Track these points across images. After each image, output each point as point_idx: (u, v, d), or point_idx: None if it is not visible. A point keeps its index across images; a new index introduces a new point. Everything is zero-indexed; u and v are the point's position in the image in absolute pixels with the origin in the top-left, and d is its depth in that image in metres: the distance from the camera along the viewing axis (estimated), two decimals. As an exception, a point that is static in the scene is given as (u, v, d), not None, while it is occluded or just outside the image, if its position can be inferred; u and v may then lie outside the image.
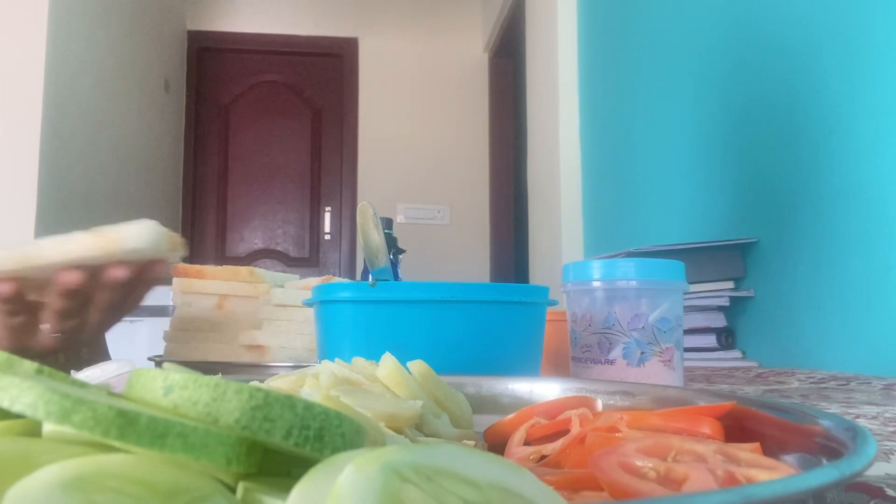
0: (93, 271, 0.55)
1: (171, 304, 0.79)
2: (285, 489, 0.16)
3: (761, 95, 1.48)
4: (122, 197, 3.16)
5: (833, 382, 0.92)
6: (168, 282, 0.60)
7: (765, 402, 0.32)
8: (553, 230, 2.71)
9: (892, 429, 0.54)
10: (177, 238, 0.56)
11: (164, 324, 0.81)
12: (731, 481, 0.23)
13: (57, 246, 0.52)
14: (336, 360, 0.40)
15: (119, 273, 0.55)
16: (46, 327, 0.59)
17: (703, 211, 1.70)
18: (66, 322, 0.59)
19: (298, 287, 0.82)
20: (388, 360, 0.37)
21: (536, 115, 3.05)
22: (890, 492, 0.33)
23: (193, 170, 4.37)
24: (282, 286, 0.81)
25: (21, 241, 0.56)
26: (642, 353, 0.64)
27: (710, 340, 1.40)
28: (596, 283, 0.65)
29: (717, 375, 1.10)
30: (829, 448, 0.26)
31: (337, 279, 0.79)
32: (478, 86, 4.51)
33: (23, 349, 0.60)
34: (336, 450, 0.18)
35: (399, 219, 4.28)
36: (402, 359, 0.38)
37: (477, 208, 4.43)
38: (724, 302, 1.40)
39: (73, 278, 0.54)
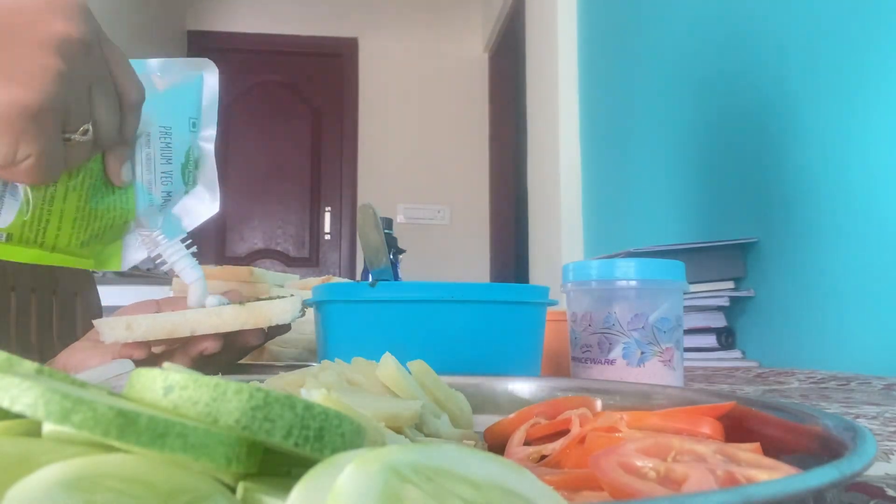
0: (230, 336, 0.56)
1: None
2: (285, 489, 0.16)
3: (761, 95, 1.48)
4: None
5: (833, 382, 0.92)
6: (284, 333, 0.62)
7: (765, 402, 0.32)
8: (553, 230, 2.71)
9: (892, 429, 0.54)
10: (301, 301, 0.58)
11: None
12: (731, 481, 0.23)
13: (208, 319, 0.53)
14: (336, 360, 0.40)
15: (256, 341, 0.57)
16: None
17: (703, 211, 1.70)
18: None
19: (298, 287, 0.82)
20: (388, 360, 0.37)
21: (536, 115, 3.05)
22: (890, 492, 0.33)
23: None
24: (282, 286, 0.81)
25: (169, 308, 0.55)
26: (642, 353, 0.64)
27: (710, 340, 1.40)
28: (596, 283, 0.65)
29: (717, 375, 1.10)
30: (829, 448, 0.26)
31: (337, 279, 0.79)
32: (478, 86, 4.51)
33: None
34: (336, 450, 0.18)
35: (399, 219, 4.28)
36: (402, 359, 0.38)
37: (477, 208, 4.43)
38: (724, 302, 1.40)
39: (212, 348, 0.55)
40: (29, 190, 0.47)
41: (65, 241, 0.50)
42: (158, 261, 0.55)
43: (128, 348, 0.55)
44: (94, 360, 0.62)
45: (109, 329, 0.53)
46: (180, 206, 0.58)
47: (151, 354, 0.57)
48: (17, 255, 0.50)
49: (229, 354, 0.59)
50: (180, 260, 0.56)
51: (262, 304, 0.54)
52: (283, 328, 0.59)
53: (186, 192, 0.58)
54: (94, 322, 0.54)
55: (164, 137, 0.54)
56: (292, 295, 0.56)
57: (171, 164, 0.55)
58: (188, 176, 0.57)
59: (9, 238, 0.48)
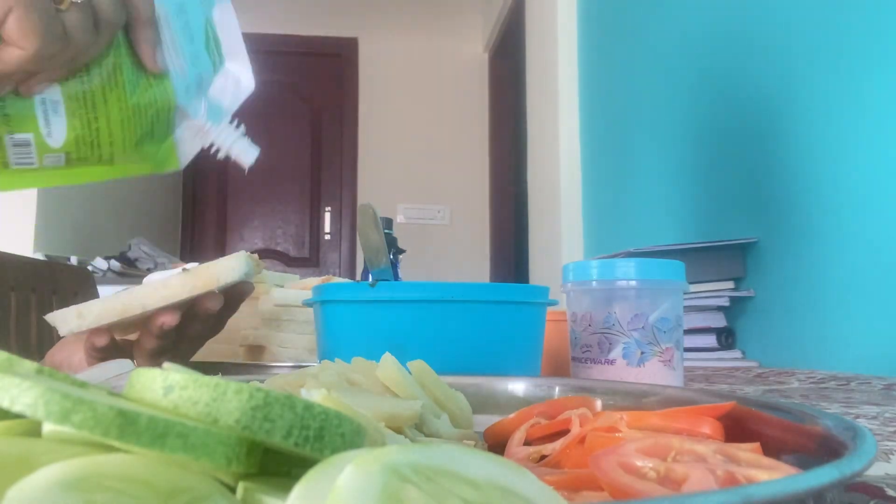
0: (188, 307, 0.55)
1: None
2: (285, 489, 0.16)
3: (761, 96, 1.48)
4: (123, 197, 3.16)
5: (833, 382, 0.92)
6: (248, 296, 0.60)
7: (765, 403, 0.32)
8: (553, 230, 2.71)
9: (892, 429, 0.54)
10: (258, 260, 0.57)
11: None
12: (731, 481, 0.23)
13: (156, 292, 0.52)
14: (336, 360, 0.40)
15: (213, 305, 0.55)
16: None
17: (703, 211, 1.70)
18: (158, 359, 0.58)
19: (298, 287, 0.82)
20: (388, 360, 0.37)
21: (536, 115, 3.05)
22: (890, 492, 0.33)
23: (193, 170, 4.37)
24: (282, 286, 0.81)
25: (115, 288, 0.55)
26: (642, 353, 0.64)
27: (710, 340, 1.40)
28: (596, 283, 0.65)
29: (717, 375, 1.10)
30: (829, 448, 0.26)
31: (337, 279, 0.79)
32: (478, 86, 4.51)
33: None
34: (336, 450, 0.18)
35: (399, 219, 4.28)
36: (402, 359, 0.38)
37: (477, 208, 4.43)
38: (724, 302, 1.40)
39: (170, 320, 0.53)
40: (63, 98, 0.46)
41: (119, 147, 0.49)
42: (213, 150, 0.55)
43: (92, 336, 0.54)
44: (77, 354, 0.62)
45: (62, 321, 0.52)
46: (215, 89, 0.56)
47: (123, 340, 0.57)
48: (83, 176, 0.49)
49: (197, 327, 0.58)
50: (235, 143, 0.54)
51: (208, 265, 0.53)
52: (242, 290, 0.58)
53: (216, 72, 0.56)
54: (47, 317, 0.53)
55: (182, 15, 0.52)
56: (245, 255, 0.55)
57: (193, 43, 0.53)
58: (212, 54, 0.56)
59: (68, 160, 0.48)
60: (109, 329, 0.55)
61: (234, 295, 0.58)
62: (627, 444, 0.27)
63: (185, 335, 0.58)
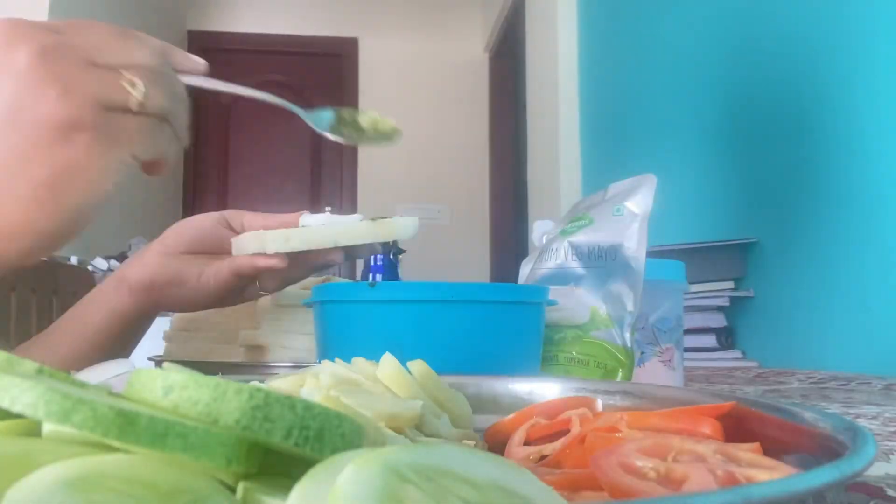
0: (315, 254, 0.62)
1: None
2: (285, 489, 0.16)
3: (761, 96, 1.48)
4: (123, 196, 3.16)
5: (833, 382, 0.92)
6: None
7: (765, 403, 0.32)
8: (553, 230, 2.71)
9: (892, 429, 0.54)
10: None
11: (164, 324, 0.81)
12: (731, 481, 0.23)
13: (348, 231, 0.60)
14: (336, 360, 0.40)
15: (338, 259, 0.63)
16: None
17: (703, 211, 1.70)
18: (285, 285, 0.66)
19: (298, 287, 0.82)
20: (388, 360, 0.37)
21: (536, 115, 3.05)
22: (890, 492, 0.33)
23: (193, 170, 4.37)
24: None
25: (301, 219, 0.63)
26: (642, 353, 0.64)
27: (710, 340, 1.40)
28: (596, 283, 0.64)
29: (717, 375, 1.10)
30: (829, 448, 0.26)
31: (337, 279, 0.79)
32: (478, 86, 4.51)
33: (223, 302, 0.66)
34: (336, 450, 0.18)
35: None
36: (402, 359, 0.38)
37: (477, 208, 4.43)
38: (724, 302, 1.40)
39: (338, 258, 0.62)
40: None
41: None
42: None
43: (264, 259, 0.60)
44: (193, 268, 0.64)
45: (272, 241, 0.58)
46: None
47: (274, 266, 0.61)
48: None
49: (303, 271, 0.65)
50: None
51: (388, 220, 0.61)
52: (360, 249, 0.64)
53: None
54: (250, 234, 0.59)
55: None
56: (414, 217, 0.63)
57: None
58: None
59: None
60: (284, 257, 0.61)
61: (351, 253, 0.64)
62: (627, 444, 0.27)
63: (292, 275, 0.64)
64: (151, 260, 0.64)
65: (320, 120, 0.60)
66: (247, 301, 0.69)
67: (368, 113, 0.62)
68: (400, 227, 0.61)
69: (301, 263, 0.63)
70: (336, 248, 0.61)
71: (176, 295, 0.64)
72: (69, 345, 0.63)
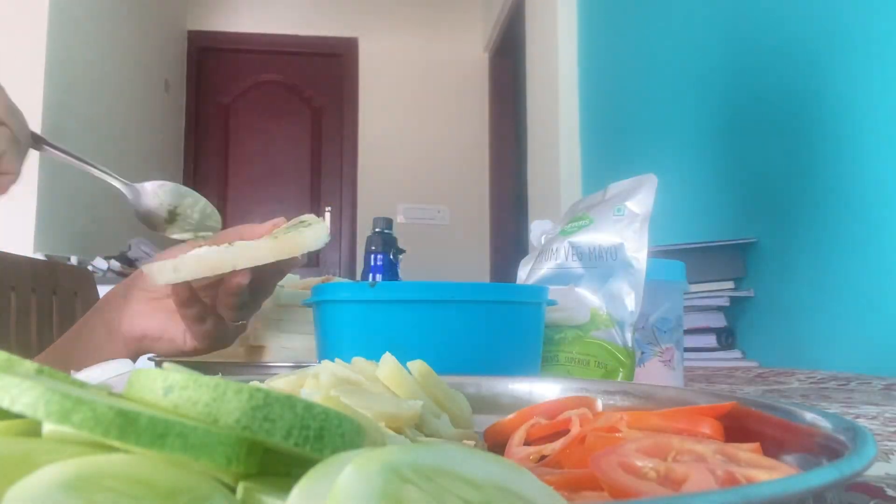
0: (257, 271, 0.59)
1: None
2: (285, 489, 0.16)
3: (761, 96, 1.48)
4: (123, 197, 3.16)
5: (833, 382, 0.92)
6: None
7: (765, 403, 0.32)
8: (553, 230, 2.71)
9: (892, 429, 0.54)
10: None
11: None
12: (731, 481, 0.23)
13: (245, 253, 0.56)
14: (336, 360, 0.40)
15: (297, 265, 0.60)
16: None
17: (703, 211, 1.70)
18: (240, 312, 0.62)
19: (298, 287, 0.82)
20: (388, 360, 0.37)
21: (536, 115, 3.05)
22: (890, 492, 0.33)
23: (193, 170, 4.37)
24: (282, 286, 0.81)
25: (200, 248, 0.59)
26: (642, 353, 0.64)
27: (710, 340, 1.40)
28: (596, 283, 0.64)
29: (717, 375, 1.10)
30: (829, 448, 0.26)
31: (337, 279, 0.79)
32: (478, 86, 4.51)
33: (210, 347, 0.65)
34: (336, 450, 0.18)
35: (399, 219, 4.28)
36: (402, 359, 0.38)
37: (477, 208, 4.43)
38: (724, 302, 1.40)
39: (244, 280, 0.57)
40: None
41: None
42: None
43: (177, 290, 0.59)
44: (154, 317, 0.64)
45: (159, 272, 0.55)
46: None
47: (196, 297, 0.60)
48: None
49: (266, 285, 0.63)
50: None
51: (293, 234, 0.57)
52: (297, 261, 0.61)
53: None
54: (143, 268, 0.56)
55: None
56: (322, 222, 0.59)
57: None
58: None
59: None
60: (190, 284, 0.58)
61: (287, 264, 0.61)
62: (627, 444, 0.27)
63: (260, 291, 0.62)
64: (140, 311, 0.65)
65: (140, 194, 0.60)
66: (239, 335, 0.68)
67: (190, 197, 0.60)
68: (305, 239, 0.56)
69: (231, 290, 0.59)
70: (243, 273, 0.56)
71: (168, 348, 0.65)
72: None
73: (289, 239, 0.56)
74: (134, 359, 0.66)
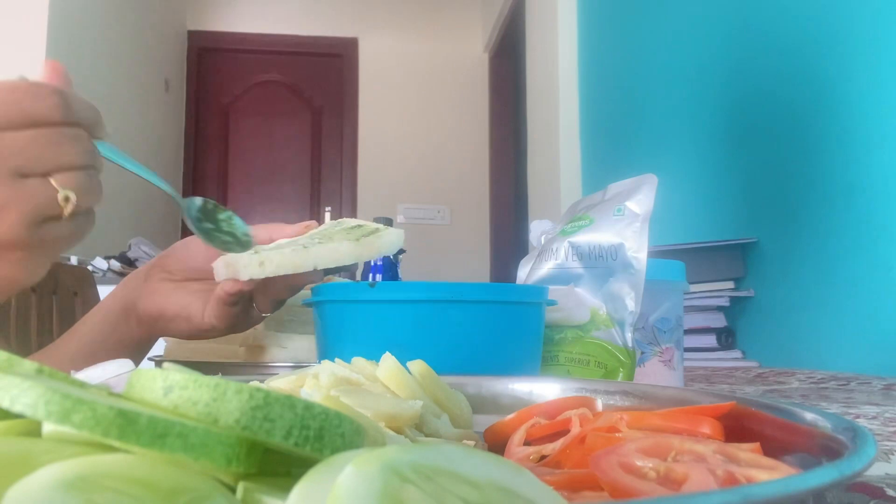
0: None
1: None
2: (285, 489, 0.16)
3: (761, 96, 1.48)
4: (123, 197, 3.16)
5: (833, 382, 0.92)
6: None
7: (765, 403, 0.32)
8: (553, 230, 2.71)
9: (892, 429, 0.54)
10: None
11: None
12: (731, 481, 0.23)
13: (329, 255, 0.57)
14: (336, 360, 0.40)
15: (315, 279, 0.61)
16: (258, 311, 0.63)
17: (703, 211, 1.70)
18: (278, 306, 0.63)
19: (298, 287, 0.82)
20: (388, 360, 0.37)
21: (536, 115, 3.05)
22: (890, 492, 0.33)
23: (193, 170, 4.37)
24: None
25: (285, 243, 0.59)
26: (642, 353, 0.64)
27: (710, 340, 1.40)
28: (596, 283, 0.64)
29: (717, 375, 1.10)
30: (829, 448, 0.26)
31: (337, 279, 0.79)
32: (478, 86, 4.51)
33: (228, 329, 0.63)
34: (336, 450, 0.18)
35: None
36: (402, 359, 0.38)
37: (477, 208, 4.43)
38: (724, 302, 1.40)
39: (317, 279, 0.59)
40: None
41: None
42: None
43: (226, 285, 0.58)
44: (194, 303, 0.63)
45: (245, 267, 0.56)
46: None
47: (241, 291, 0.59)
48: None
49: (289, 290, 0.62)
50: None
51: (372, 239, 0.58)
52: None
53: None
54: (221, 261, 0.56)
55: None
56: (393, 229, 0.60)
57: None
58: None
59: None
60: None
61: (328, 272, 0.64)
62: (627, 444, 0.27)
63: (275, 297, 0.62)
64: (159, 290, 0.64)
65: (191, 205, 0.58)
66: (254, 325, 0.67)
67: (227, 211, 0.59)
68: (385, 244, 0.58)
69: (287, 284, 0.61)
70: (317, 271, 0.57)
71: (184, 327, 0.63)
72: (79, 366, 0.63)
73: (369, 243, 0.58)
74: (145, 340, 0.65)
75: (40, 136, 0.42)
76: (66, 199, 0.43)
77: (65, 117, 0.44)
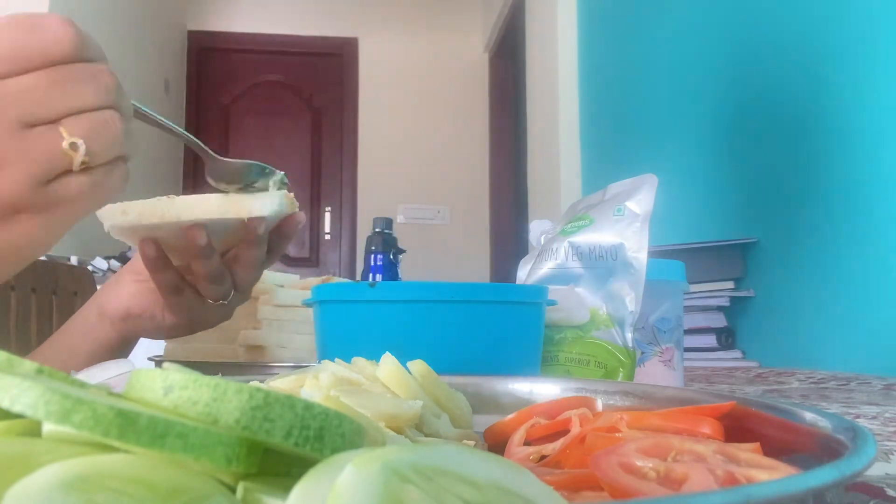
0: (234, 228, 0.56)
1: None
2: (285, 489, 0.16)
3: (761, 96, 1.48)
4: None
5: (833, 382, 0.92)
6: (296, 231, 0.61)
7: (765, 403, 0.32)
8: (553, 230, 2.71)
9: (892, 429, 0.54)
10: (293, 199, 0.58)
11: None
12: (731, 481, 0.23)
13: (192, 206, 0.54)
14: (336, 360, 0.40)
15: (260, 226, 0.55)
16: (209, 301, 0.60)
17: (703, 211, 1.70)
18: (220, 286, 0.58)
19: (298, 287, 0.82)
20: (388, 360, 0.37)
21: (536, 115, 3.05)
22: (890, 492, 0.33)
23: (193, 170, 4.37)
24: (282, 286, 0.81)
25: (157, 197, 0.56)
26: (642, 353, 0.64)
27: (710, 340, 1.40)
28: (596, 283, 0.64)
29: (717, 375, 1.10)
30: (829, 448, 0.26)
31: (337, 279, 0.79)
32: (478, 86, 4.51)
33: (190, 324, 0.62)
34: (336, 450, 0.18)
35: (399, 219, 4.27)
36: (402, 359, 0.38)
37: (477, 208, 4.43)
38: (724, 302, 1.40)
39: (198, 235, 0.53)
40: None
41: None
42: None
43: (143, 246, 0.56)
44: (126, 287, 0.63)
45: (109, 215, 0.54)
46: None
47: (162, 255, 0.57)
48: None
49: (247, 254, 0.58)
50: None
51: (243, 196, 0.55)
52: (290, 223, 0.59)
53: None
54: (97, 212, 0.53)
55: None
56: (280, 191, 0.56)
57: None
58: None
59: None
60: (157, 243, 0.56)
61: (283, 225, 0.58)
62: (627, 444, 0.27)
63: (240, 261, 0.58)
64: (126, 290, 0.64)
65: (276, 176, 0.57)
66: (225, 319, 0.64)
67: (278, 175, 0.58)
68: (257, 206, 0.54)
69: (192, 254, 0.56)
70: (197, 226, 0.53)
71: (149, 326, 0.63)
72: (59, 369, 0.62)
73: (238, 200, 0.54)
74: (121, 340, 0.65)
75: (47, 77, 0.37)
76: (74, 147, 0.37)
77: (77, 52, 0.38)
